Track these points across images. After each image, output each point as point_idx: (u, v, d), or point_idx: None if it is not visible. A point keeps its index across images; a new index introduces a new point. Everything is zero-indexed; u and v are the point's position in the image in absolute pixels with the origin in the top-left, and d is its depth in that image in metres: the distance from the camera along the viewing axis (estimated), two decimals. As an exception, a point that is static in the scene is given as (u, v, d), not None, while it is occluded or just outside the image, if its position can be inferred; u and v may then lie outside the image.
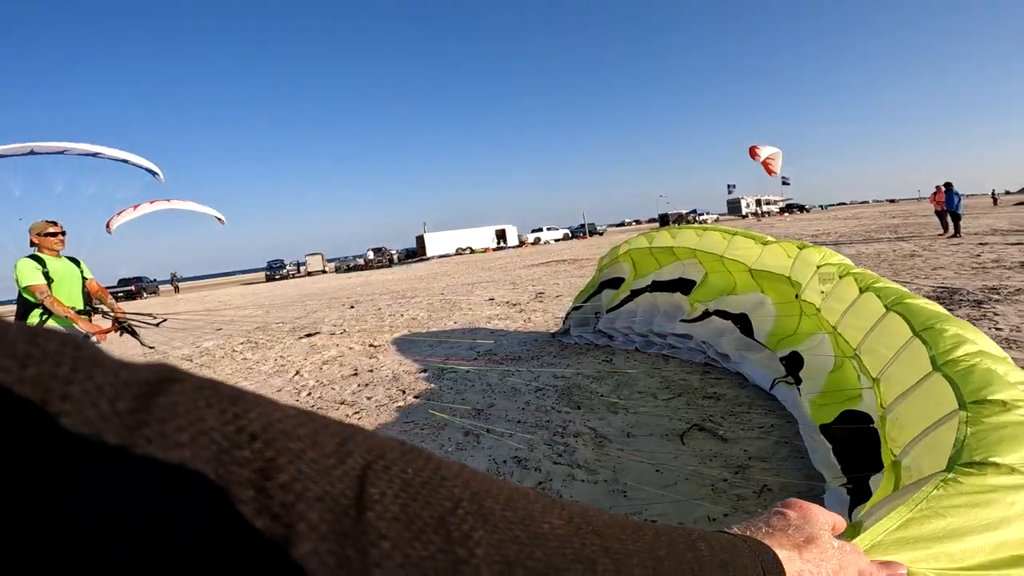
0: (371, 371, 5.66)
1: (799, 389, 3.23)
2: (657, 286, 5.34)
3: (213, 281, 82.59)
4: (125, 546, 0.17)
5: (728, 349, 4.24)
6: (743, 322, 4.23)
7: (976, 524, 0.95)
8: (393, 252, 51.70)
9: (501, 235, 56.53)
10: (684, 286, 5.01)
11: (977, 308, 5.61)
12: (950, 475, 1.07)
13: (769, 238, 4.03)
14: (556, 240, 55.51)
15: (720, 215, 70.02)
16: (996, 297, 6.08)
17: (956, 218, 14.56)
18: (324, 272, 46.43)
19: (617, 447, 3.10)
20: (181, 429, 0.20)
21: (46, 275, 3.66)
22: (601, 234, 60.86)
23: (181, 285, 50.42)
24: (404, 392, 4.72)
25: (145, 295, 37.72)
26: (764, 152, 28.46)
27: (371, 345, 7.16)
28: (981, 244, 11.76)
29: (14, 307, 3.84)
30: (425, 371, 5.39)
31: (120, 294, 34.34)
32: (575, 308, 6.15)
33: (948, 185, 15.18)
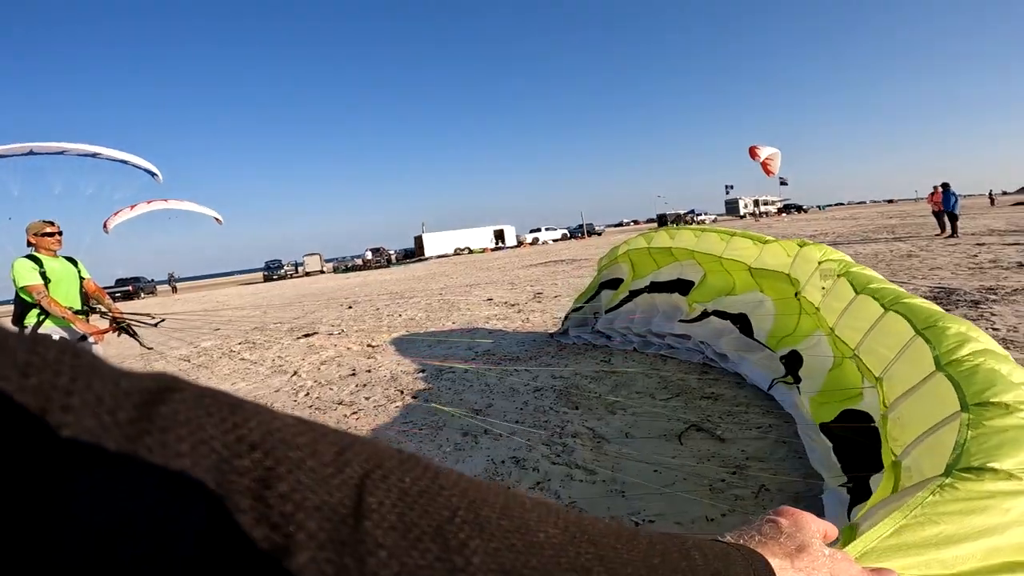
0: (369, 371, 5.66)
1: (799, 388, 3.23)
2: (655, 287, 5.35)
3: (211, 281, 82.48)
4: (126, 551, 0.17)
5: (727, 349, 4.25)
6: (742, 322, 4.23)
7: (970, 531, 0.94)
8: (391, 252, 51.65)
9: (499, 235, 56.51)
10: (682, 287, 5.02)
11: (974, 308, 5.63)
12: (947, 480, 1.07)
13: (768, 237, 4.03)
14: (554, 240, 55.51)
15: (718, 215, 70.14)
16: (993, 297, 6.10)
17: (953, 218, 14.60)
18: (322, 272, 46.36)
19: (615, 447, 3.10)
20: (182, 439, 0.20)
21: (43, 275, 3.65)
22: (599, 234, 60.90)
23: (179, 285, 50.29)
24: (402, 392, 4.72)
25: (143, 295, 37.59)
26: (764, 152, 28.54)
27: (369, 345, 7.16)
28: (978, 244, 11.79)
29: (11, 307, 3.82)
30: (423, 371, 5.39)
31: (117, 294, 34.22)
32: (575, 310, 6.16)
33: (945, 185, 15.23)
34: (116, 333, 4.19)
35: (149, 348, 5.09)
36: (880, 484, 1.73)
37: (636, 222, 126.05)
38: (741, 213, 65.06)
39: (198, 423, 0.21)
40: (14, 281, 3.62)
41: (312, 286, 26.24)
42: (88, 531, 0.17)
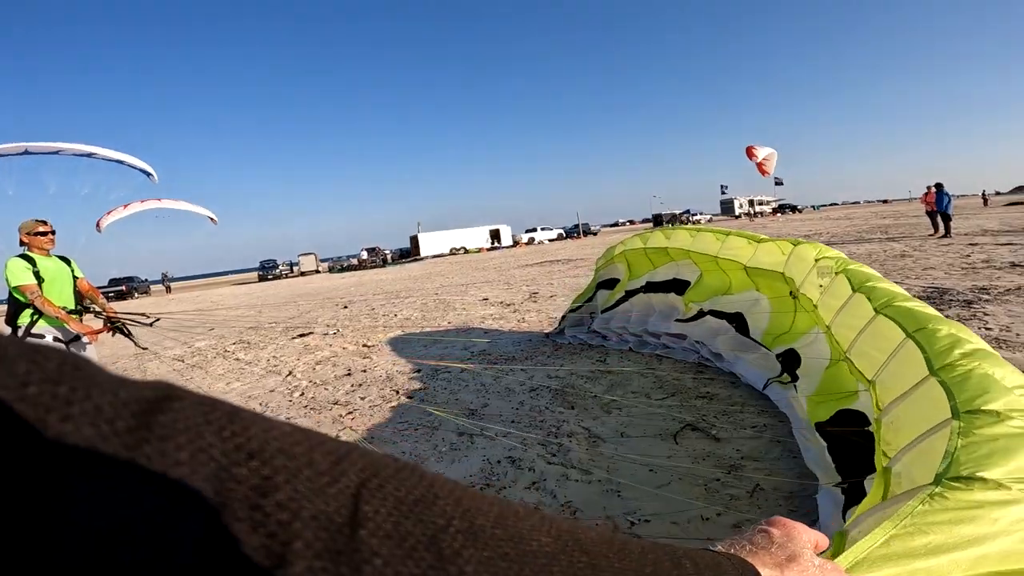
0: (364, 371, 5.65)
1: (795, 386, 3.24)
2: (651, 287, 5.36)
3: (205, 281, 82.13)
4: (125, 557, 0.17)
5: (722, 349, 4.26)
6: (739, 321, 4.25)
7: (959, 540, 0.94)
8: (387, 252, 51.58)
9: (495, 235, 56.51)
10: (678, 286, 5.03)
11: (967, 308, 5.67)
12: (936, 489, 1.07)
13: (763, 236, 4.05)
14: (550, 240, 55.55)
15: (713, 215, 70.37)
16: (986, 297, 6.15)
17: (946, 218, 14.69)
18: (317, 272, 46.26)
19: (611, 447, 3.11)
20: (181, 447, 0.20)
21: (36, 274, 3.62)
22: (595, 234, 60.96)
23: (173, 285, 50.04)
24: (398, 392, 4.71)
25: (136, 295, 37.39)
26: (761, 153, 28.68)
27: (364, 345, 7.15)
28: (971, 244, 11.88)
29: (3, 307, 3.80)
30: (419, 371, 5.38)
31: (111, 294, 34.00)
32: (572, 311, 6.16)
33: (939, 186, 15.32)
34: (111, 333, 4.17)
35: (144, 348, 5.07)
36: (870, 491, 1.73)
37: (632, 222, 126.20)
38: (736, 213, 65.29)
39: (197, 431, 0.21)
40: (7, 281, 3.59)
41: (307, 286, 26.17)
42: (87, 537, 0.17)
